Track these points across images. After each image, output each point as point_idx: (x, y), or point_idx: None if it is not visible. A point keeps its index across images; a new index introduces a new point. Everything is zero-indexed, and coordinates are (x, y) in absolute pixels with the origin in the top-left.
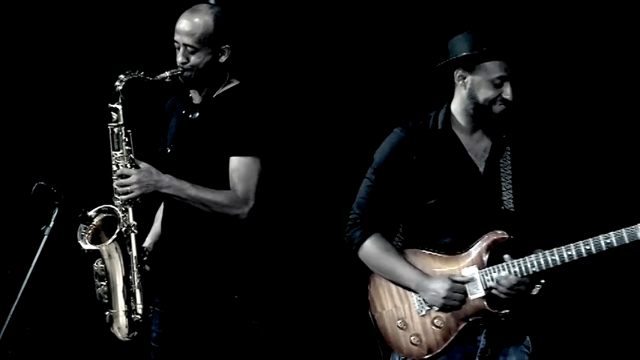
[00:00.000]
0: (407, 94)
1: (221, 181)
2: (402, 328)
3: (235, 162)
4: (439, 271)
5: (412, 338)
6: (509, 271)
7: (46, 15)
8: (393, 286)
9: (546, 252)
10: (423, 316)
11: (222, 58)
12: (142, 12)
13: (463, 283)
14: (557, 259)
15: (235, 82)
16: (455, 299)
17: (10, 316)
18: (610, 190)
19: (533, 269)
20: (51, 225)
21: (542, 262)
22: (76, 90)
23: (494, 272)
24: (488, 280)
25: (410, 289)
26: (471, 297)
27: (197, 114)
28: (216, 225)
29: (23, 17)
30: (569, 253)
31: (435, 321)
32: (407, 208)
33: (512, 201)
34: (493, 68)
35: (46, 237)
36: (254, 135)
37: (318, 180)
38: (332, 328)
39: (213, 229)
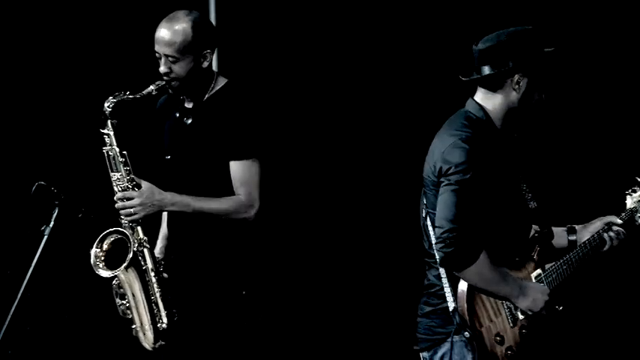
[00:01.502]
0: (402, 93)
1: (223, 185)
2: (499, 343)
3: (235, 166)
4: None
5: (507, 352)
6: (562, 269)
7: (46, 16)
8: (486, 301)
9: (580, 244)
10: (514, 326)
11: (205, 63)
12: (140, 14)
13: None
14: (589, 249)
15: (223, 82)
16: (550, 308)
17: (10, 316)
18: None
19: (577, 263)
20: (51, 225)
21: (580, 254)
22: (76, 90)
23: (554, 273)
24: (551, 282)
25: (507, 298)
26: None
27: (190, 119)
28: (222, 224)
29: (24, 18)
30: (596, 242)
31: (523, 330)
32: (485, 217)
33: (533, 196)
34: (544, 70)
35: (46, 237)
36: (250, 138)
37: (321, 177)
38: (337, 326)
39: (220, 227)
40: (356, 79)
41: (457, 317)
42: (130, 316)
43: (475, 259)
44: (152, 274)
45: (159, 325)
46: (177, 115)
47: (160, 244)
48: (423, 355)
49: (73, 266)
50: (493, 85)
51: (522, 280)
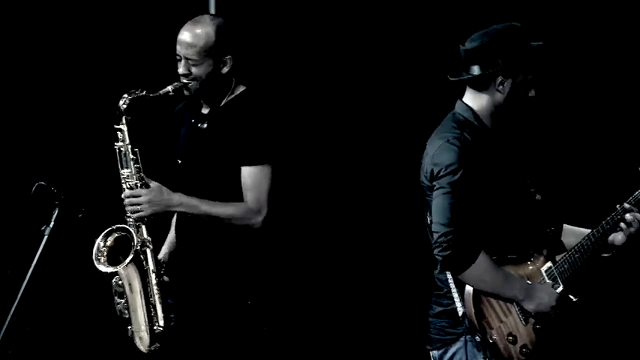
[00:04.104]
0: (407, 96)
1: (233, 191)
2: (512, 343)
3: (246, 172)
4: (526, 276)
5: (522, 350)
6: (574, 258)
7: (47, 16)
8: (494, 302)
9: (593, 230)
10: (526, 324)
11: (225, 69)
12: (144, 17)
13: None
14: (602, 234)
15: (242, 89)
16: (559, 308)
17: (10, 316)
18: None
19: (590, 250)
20: (51, 225)
21: (593, 241)
22: (76, 90)
23: (566, 264)
24: (563, 273)
25: (513, 300)
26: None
27: (205, 124)
28: (230, 231)
29: (25, 18)
30: (608, 226)
31: (537, 326)
32: (481, 216)
33: (538, 189)
34: (531, 68)
35: (46, 237)
36: (263, 143)
37: (330, 185)
38: (343, 334)
39: (228, 235)
40: (357, 82)
41: (467, 322)
42: (127, 316)
43: (473, 261)
44: (153, 275)
45: (155, 327)
46: (193, 120)
47: (165, 249)
48: (433, 354)
49: (73, 266)
50: (479, 85)
51: (528, 282)
